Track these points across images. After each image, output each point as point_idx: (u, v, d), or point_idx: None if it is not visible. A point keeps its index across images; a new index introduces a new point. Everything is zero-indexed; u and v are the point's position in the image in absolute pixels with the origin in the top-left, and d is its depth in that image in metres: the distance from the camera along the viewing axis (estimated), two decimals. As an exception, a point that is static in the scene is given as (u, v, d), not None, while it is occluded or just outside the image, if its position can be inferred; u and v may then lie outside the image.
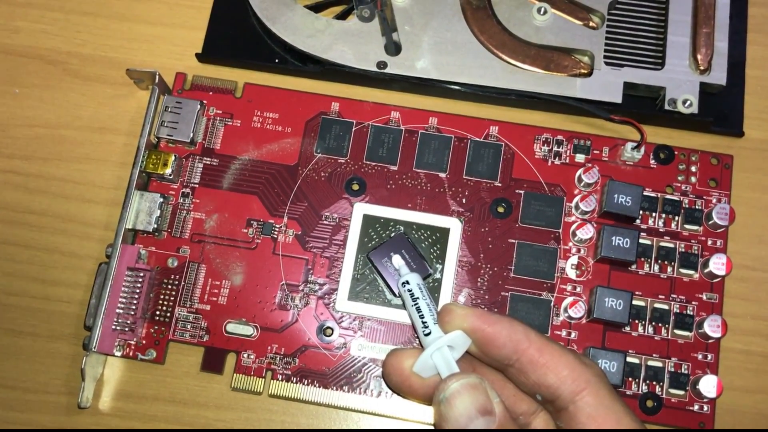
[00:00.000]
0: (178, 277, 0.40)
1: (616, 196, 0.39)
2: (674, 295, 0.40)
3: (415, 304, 0.32)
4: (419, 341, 0.32)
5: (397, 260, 0.38)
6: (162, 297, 0.40)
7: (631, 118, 0.41)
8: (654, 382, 0.38)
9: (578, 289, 0.40)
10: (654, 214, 0.41)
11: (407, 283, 0.33)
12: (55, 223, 0.42)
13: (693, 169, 0.41)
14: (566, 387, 0.28)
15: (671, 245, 0.40)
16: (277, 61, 0.44)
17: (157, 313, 0.40)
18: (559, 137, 0.42)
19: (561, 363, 0.28)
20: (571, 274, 0.40)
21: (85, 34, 0.45)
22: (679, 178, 0.41)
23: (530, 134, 0.42)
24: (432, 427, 0.38)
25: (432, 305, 0.32)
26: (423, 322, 0.31)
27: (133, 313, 0.39)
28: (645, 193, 0.40)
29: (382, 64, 0.42)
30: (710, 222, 0.40)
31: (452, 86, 0.42)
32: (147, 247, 0.41)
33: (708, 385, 0.38)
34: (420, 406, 0.38)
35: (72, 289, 0.41)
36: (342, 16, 0.44)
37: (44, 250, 0.42)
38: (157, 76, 0.41)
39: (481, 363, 0.31)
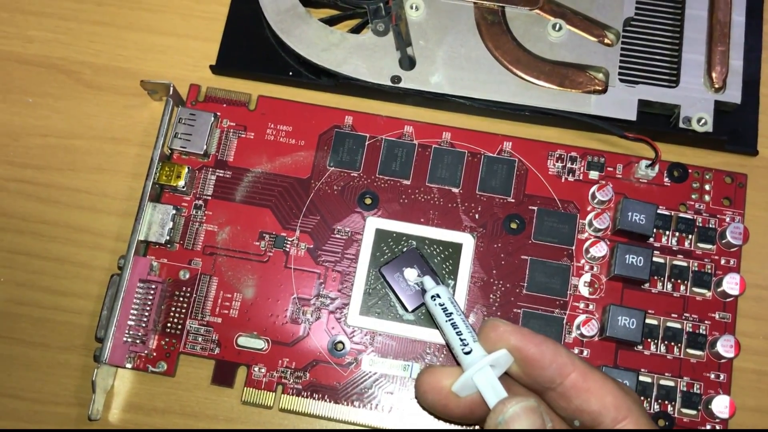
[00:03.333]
0: (189, 289, 0.40)
1: (630, 214, 0.39)
2: (687, 314, 0.40)
3: (450, 320, 0.31)
4: (455, 359, 0.31)
5: (412, 274, 0.38)
6: (173, 309, 0.40)
7: (645, 135, 0.41)
8: (666, 402, 0.38)
9: (591, 307, 0.40)
10: (667, 233, 0.40)
11: (437, 296, 0.31)
12: (66, 234, 0.42)
13: (707, 187, 0.41)
14: (609, 414, 0.28)
15: (684, 264, 0.40)
16: (291, 74, 0.44)
17: (169, 325, 0.40)
18: (573, 154, 0.42)
19: (605, 389, 0.28)
20: (584, 291, 0.40)
21: (98, 44, 0.45)
22: (693, 197, 0.41)
23: (544, 150, 0.42)
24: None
25: (466, 320, 0.31)
26: (461, 340, 0.30)
27: (144, 325, 0.39)
28: (658, 211, 0.40)
29: (396, 79, 0.42)
30: (723, 241, 0.40)
31: (466, 101, 0.42)
32: (159, 259, 0.41)
33: (720, 405, 0.38)
34: (432, 421, 0.38)
35: (83, 300, 0.41)
36: (356, 30, 0.44)
37: (56, 260, 0.42)
38: (172, 88, 0.41)
39: (516, 384, 0.30)
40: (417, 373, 0.31)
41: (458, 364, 0.31)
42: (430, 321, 0.39)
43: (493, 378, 0.29)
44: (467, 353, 0.30)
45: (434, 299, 0.32)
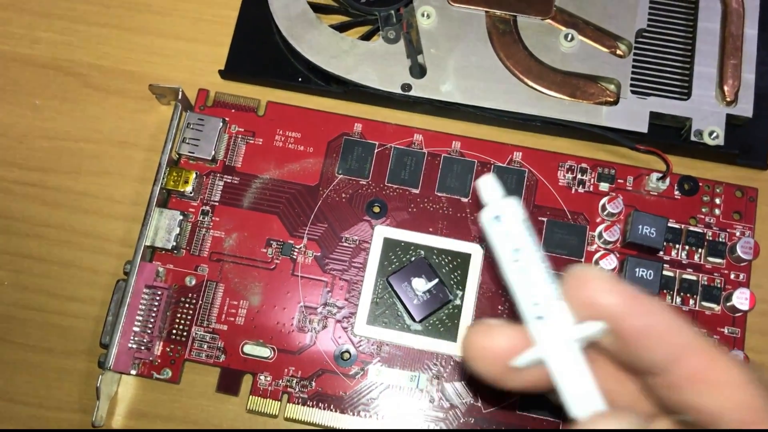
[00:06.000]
0: (195, 295, 0.40)
1: (640, 227, 0.39)
2: (696, 329, 0.39)
3: (517, 259, 0.20)
4: (522, 315, 0.21)
5: (420, 284, 0.38)
6: (179, 316, 0.40)
7: (656, 148, 0.41)
8: (674, 417, 0.38)
9: (600, 320, 0.39)
10: (677, 246, 0.40)
11: (498, 218, 0.20)
12: (72, 238, 0.42)
13: (717, 201, 0.41)
14: (732, 416, 0.20)
15: (694, 278, 0.40)
16: (300, 80, 0.43)
17: (174, 332, 0.39)
18: (584, 165, 0.42)
19: (736, 385, 0.20)
20: (593, 304, 0.39)
21: (106, 46, 0.45)
22: (704, 210, 0.41)
23: (554, 161, 0.42)
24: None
25: (544, 261, 0.20)
26: (533, 296, 0.20)
27: (149, 331, 0.39)
28: (669, 225, 0.40)
29: (406, 87, 0.42)
30: (734, 255, 0.40)
31: (476, 111, 0.42)
32: (165, 265, 0.40)
33: (729, 421, 0.37)
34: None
35: (88, 305, 0.41)
36: (367, 37, 0.44)
37: (61, 264, 0.41)
38: (180, 92, 0.41)
39: (600, 356, 0.22)
40: (467, 330, 0.22)
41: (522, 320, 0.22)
42: (438, 331, 0.39)
43: (583, 371, 0.20)
44: (539, 318, 0.20)
45: (496, 220, 0.20)
